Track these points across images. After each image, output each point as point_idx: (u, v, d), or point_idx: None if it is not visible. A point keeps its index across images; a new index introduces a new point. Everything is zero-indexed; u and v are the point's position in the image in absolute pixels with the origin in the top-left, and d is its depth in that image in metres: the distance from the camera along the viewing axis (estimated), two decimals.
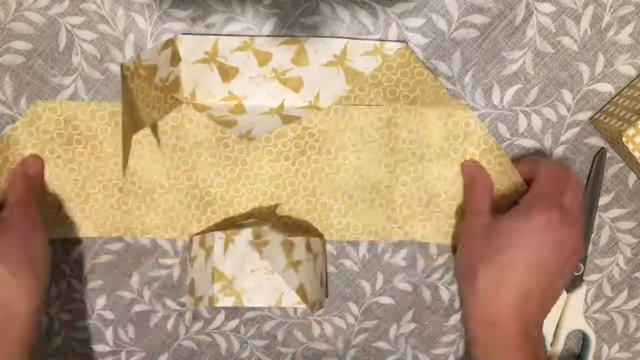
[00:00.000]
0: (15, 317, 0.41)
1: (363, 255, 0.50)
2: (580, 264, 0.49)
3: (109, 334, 0.51)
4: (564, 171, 0.43)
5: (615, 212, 0.49)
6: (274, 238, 0.45)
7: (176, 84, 0.45)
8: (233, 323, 0.51)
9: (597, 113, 0.47)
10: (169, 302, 0.51)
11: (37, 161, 0.47)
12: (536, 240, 0.40)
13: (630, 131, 0.42)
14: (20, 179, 0.46)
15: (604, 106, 0.47)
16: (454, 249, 0.48)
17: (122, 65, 0.43)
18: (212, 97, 0.46)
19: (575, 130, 0.48)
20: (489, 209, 0.44)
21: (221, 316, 0.51)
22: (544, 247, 0.40)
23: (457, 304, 0.51)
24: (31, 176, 0.46)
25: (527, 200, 0.42)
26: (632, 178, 0.49)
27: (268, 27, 0.46)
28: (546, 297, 0.42)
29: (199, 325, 0.51)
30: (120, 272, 0.50)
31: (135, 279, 0.50)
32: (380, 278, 0.50)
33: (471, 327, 0.42)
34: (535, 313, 0.41)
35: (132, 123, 0.42)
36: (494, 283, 0.40)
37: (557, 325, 0.50)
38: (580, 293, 0.50)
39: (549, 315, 0.50)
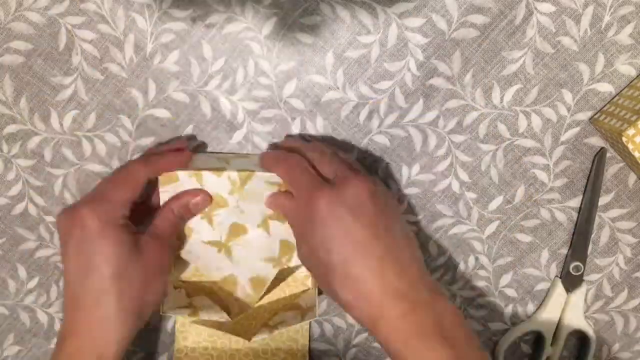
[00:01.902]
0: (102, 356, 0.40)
1: None
2: (580, 264, 0.49)
3: None
4: (282, 157, 0.43)
5: (615, 212, 0.49)
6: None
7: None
8: None
9: (597, 113, 0.47)
10: None
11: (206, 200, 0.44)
12: (335, 222, 0.39)
13: (630, 131, 0.42)
14: (182, 211, 0.44)
15: (604, 106, 0.47)
16: None
17: None
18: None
19: (575, 130, 0.48)
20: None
21: None
22: (343, 220, 0.38)
23: (457, 304, 0.51)
24: (188, 215, 0.45)
25: (297, 198, 0.42)
26: (632, 178, 0.49)
27: (268, 27, 0.46)
28: (391, 255, 0.39)
29: None
30: None
31: None
32: None
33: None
34: (396, 276, 0.38)
35: None
36: (343, 284, 0.39)
37: (557, 325, 0.51)
38: (580, 293, 0.50)
39: (549, 315, 0.50)
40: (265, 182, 0.44)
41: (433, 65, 0.47)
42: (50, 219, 0.49)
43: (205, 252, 0.46)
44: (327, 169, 0.42)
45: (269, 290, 0.47)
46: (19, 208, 0.49)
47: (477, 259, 0.50)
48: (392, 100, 0.47)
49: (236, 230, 0.45)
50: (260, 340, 0.49)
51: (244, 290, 0.47)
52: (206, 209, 0.45)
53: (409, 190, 0.49)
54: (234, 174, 0.43)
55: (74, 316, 0.40)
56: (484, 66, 0.47)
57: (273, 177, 0.43)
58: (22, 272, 0.50)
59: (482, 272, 0.51)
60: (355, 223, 0.38)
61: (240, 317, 0.47)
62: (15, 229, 0.50)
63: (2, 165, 0.48)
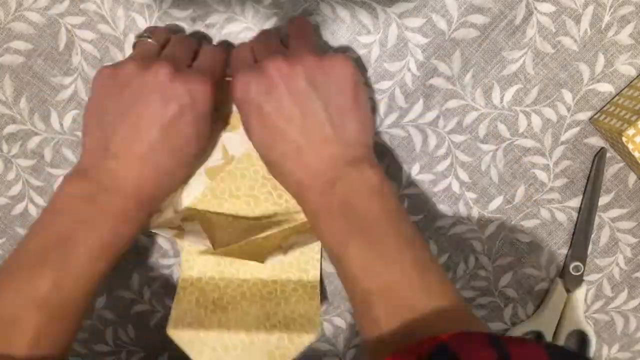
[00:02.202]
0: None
1: None
2: (580, 264, 0.49)
3: (109, 334, 0.51)
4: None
5: (615, 212, 0.49)
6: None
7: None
8: None
9: (597, 113, 0.47)
10: (169, 302, 0.51)
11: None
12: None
13: (630, 131, 0.42)
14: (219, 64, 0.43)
15: (604, 106, 0.47)
16: None
17: None
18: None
19: (575, 130, 0.48)
20: None
21: None
22: (255, 106, 0.39)
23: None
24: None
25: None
26: (632, 178, 0.49)
27: (268, 27, 0.46)
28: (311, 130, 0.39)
29: None
30: (120, 272, 0.50)
31: (135, 279, 0.50)
32: None
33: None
34: (316, 153, 0.39)
35: None
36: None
37: (557, 325, 0.51)
38: (580, 293, 0.50)
39: (549, 315, 0.50)
40: None
41: (433, 65, 0.47)
42: None
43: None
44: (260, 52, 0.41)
45: (278, 224, 0.47)
46: (19, 208, 0.49)
47: (477, 259, 0.50)
48: (392, 100, 0.47)
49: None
50: (273, 264, 0.48)
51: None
52: None
53: (409, 190, 0.49)
54: None
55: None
56: (484, 66, 0.47)
57: None
58: None
59: (482, 272, 0.51)
60: (267, 105, 0.39)
61: (250, 240, 0.47)
62: (15, 229, 0.50)
63: (2, 165, 0.48)
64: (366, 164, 0.39)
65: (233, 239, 0.46)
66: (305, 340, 0.45)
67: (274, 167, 0.41)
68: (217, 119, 0.46)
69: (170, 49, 0.42)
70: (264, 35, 0.44)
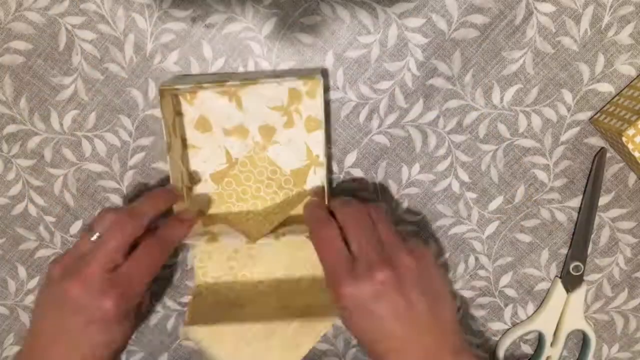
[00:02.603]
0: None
1: None
2: (580, 264, 0.49)
3: None
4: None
5: (615, 212, 0.49)
6: None
7: None
8: None
9: (597, 113, 0.47)
10: (169, 302, 0.51)
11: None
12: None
13: (630, 131, 0.42)
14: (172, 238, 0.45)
15: (604, 106, 0.47)
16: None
17: None
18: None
19: (575, 130, 0.48)
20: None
21: None
22: (365, 309, 0.40)
23: (457, 304, 0.51)
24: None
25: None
26: (632, 178, 0.49)
27: (268, 27, 0.46)
28: (411, 333, 0.40)
29: None
30: None
31: None
32: None
33: None
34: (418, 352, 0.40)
35: None
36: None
37: (557, 325, 0.51)
38: (580, 293, 0.50)
39: (549, 315, 0.50)
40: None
41: (433, 65, 0.47)
42: (50, 219, 0.49)
43: (216, 102, 0.46)
44: (357, 245, 0.42)
45: (283, 211, 0.48)
46: (19, 208, 0.49)
47: (477, 259, 0.50)
48: (392, 100, 0.47)
49: (246, 81, 0.45)
50: (286, 265, 0.49)
51: (253, 139, 0.47)
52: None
53: (409, 190, 0.49)
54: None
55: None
56: (484, 66, 0.47)
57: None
58: (22, 272, 0.50)
59: (482, 272, 0.51)
60: (378, 307, 0.40)
61: (253, 217, 0.47)
62: (15, 229, 0.50)
63: (2, 165, 0.48)
64: (467, 354, 0.40)
65: (262, 229, 0.47)
66: (321, 328, 0.45)
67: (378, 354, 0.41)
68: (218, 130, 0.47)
69: (104, 247, 0.41)
70: (359, 219, 0.43)
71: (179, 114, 0.47)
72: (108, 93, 0.47)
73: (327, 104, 0.47)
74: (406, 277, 0.40)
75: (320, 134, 0.45)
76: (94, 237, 0.41)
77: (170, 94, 0.45)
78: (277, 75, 0.46)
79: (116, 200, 0.49)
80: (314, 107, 0.46)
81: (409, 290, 0.40)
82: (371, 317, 0.40)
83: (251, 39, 0.46)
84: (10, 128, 0.48)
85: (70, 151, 0.48)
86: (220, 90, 0.46)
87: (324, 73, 0.47)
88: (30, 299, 0.51)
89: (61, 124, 0.48)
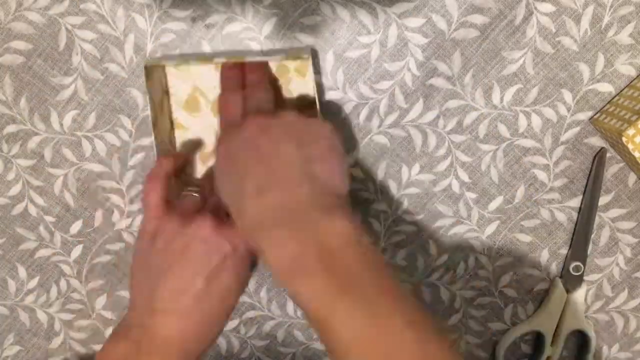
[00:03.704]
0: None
1: None
2: (580, 264, 0.49)
3: (109, 333, 0.51)
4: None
5: (615, 212, 0.49)
6: None
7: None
8: (233, 323, 0.51)
9: (597, 113, 0.47)
10: None
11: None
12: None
13: (630, 131, 0.42)
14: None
15: (604, 106, 0.47)
16: None
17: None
18: None
19: (575, 130, 0.48)
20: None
21: None
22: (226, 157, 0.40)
23: (457, 304, 0.51)
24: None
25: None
26: (632, 178, 0.49)
27: (268, 27, 0.46)
28: (267, 181, 0.38)
29: None
30: (120, 272, 0.50)
31: None
32: None
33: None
34: (274, 202, 0.37)
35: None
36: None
37: (557, 325, 0.51)
38: (580, 293, 0.50)
39: (549, 315, 0.50)
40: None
41: (433, 65, 0.47)
42: (50, 219, 0.49)
43: (206, 76, 0.47)
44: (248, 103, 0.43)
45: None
46: (19, 208, 0.49)
47: (477, 259, 0.50)
48: (392, 100, 0.47)
49: (233, 57, 0.45)
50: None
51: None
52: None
53: (409, 190, 0.49)
54: (222, 61, 0.44)
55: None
56: (484, 66, 0.47)
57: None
58: (22, 272, 0.50)
59: (482, 272, 0.51)
60: (242, 153, 0.39)
61: None
62: (15, 229, 0.50)
63: (2, 165, 0.48)
64: (339, 212, 0.36)
65: None
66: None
67: (239, 214, 0.38)
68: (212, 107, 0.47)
69: (213, 199, 0.42)
70: (255, 78, 0.45)
71: (166, 93, 0.47)
72: (108, 93, 0.47)
73: (318, 85, 0.47)
74: (280, 126, 0.39)
75: (312, 113, 0.45)
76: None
77: (158, 71, 0.45)
78: (265, 54, 0.46)
79: (116, 200, 0.49)
80: (304, 86, 0.46)
81: (278, 138, 0.38)
82: (230, 159, 0.39)
83: (251, 39, 0.46)
84: (11, 128, 0.48)
85: (71, 151, 0.48)
86: (210, 65, 0.46)
87: (314, 53, 0.46)
88: (30, 299, 0.51)
89: (61, 124, 0.48)
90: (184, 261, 0.39)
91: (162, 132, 0.46)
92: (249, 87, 0.45)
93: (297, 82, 0.46)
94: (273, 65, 0.46)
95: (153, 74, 0.44)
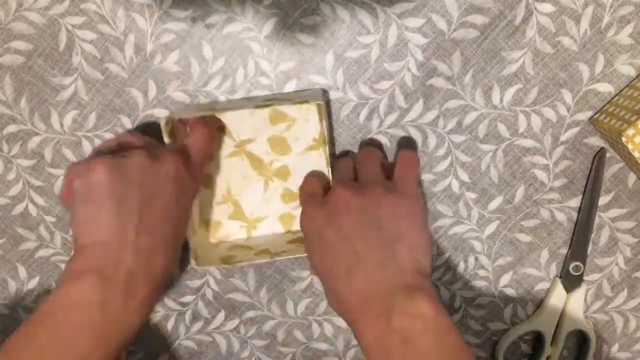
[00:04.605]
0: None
1: None
2: (580, 264, 0.49)
3: None
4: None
5: (615, 212, 0.49)
6: None
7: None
8: (233, 323, 0.51)
9: (597, 113, 0.47)
10: (169, 302, 0.51)
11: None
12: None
13: (630, 131, 0.42)
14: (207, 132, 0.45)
15: (604, 106, 0.47)
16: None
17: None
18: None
19: (575, 130, 0.48)
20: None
21: (221, 316, 0.51)
22: (318, 231, 0.41)
23: (457, 304, 0.51)
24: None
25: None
26: (632, 178, 0.49)
27: (268, 27, 0.46)
28: (359, 260, 0.40)
29: (199, 325, 0.51)
30: None
31: None
32: None
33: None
34: (362, 281, 0.39)
35: None
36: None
37: (557, 325, 0.51)
38: (580, 293, 0.50)
39: (549, 315, 0.50)
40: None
41: (433, 65, 0.47)
42: (50, 219, 0.49)
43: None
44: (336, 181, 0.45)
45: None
46: (19, 208, 0.49)
47: (477, 259, 0.50)
48: (392, 100, 0.47)
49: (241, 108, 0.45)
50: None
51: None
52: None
53: None
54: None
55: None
56: (484, 66, 0.47)
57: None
58: (22, 272, 0.50)
59: (482, 272, 0.51)
60: (327, 231, 0.40)
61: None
62: (15, 229, 0.50)
63: (2, 165, 0.48)
64: (422, 293, 0.38)
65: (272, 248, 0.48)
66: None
67: (331, 293, 0.41)
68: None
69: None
70: (367, 156, 0.45)
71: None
72: (108, 93, 0.47)
73: (330, 128, 0.48)
74: (363, 206, 0.40)
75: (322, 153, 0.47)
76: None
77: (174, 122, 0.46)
78: (275, 98, 0.46)
79: None
80: (309, 129, 0.47)
81: (361, 220, 0.39)
82: (322, 241, 0.40)
83: (251, 39, 0.46)
84: (11, 128, 0.48)
85: (71, 151, 0.48)
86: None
87: (326, 97, 0.47)
88: (30, 299, 0.51)
89: (61, 124, 0.48)
90: (159, 197, 0.40)
91: None
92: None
93: (300, 126, 0.47)
94: (283, 109, 0.47)
95: (172, 126, 0.45)
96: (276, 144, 0.48)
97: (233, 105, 0.46)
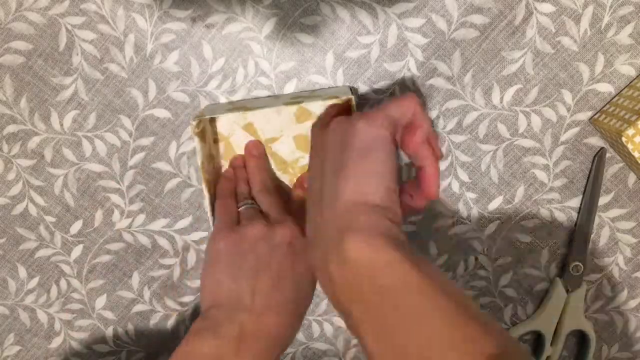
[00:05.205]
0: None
1: None
2: (580, 264, 0.49)
3: (109, 334, 0.51)
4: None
5: (615, 212, 0.49)
6: None
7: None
8: None
9: (597, 113, 0.47)
10: (169, 302, 0.51)
11: (257, 142, 0.48)
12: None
13: (630, 131, 0.42)
14: (255, 163, 0.47)
15: (604, 106, 0.47)
16: None
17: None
18: None
19: (575, 130, 0.48)
20: None
21: None
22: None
23: None
24: (257, 156, 0.48)
25: None
26: (631, 178, 0.49)
27: (268, 27, 0.46)
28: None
29: None
30: (120, 272, 0.50)
31: (135, 279, 0.50)
32: None
33: None
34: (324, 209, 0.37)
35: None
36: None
37: (557, 325, 0.51)
38: (580, 293, 0.50)
39: (549, 315, 0.50)
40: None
41: (433, 65, 0.47)
42: (50, 219, 0.49)
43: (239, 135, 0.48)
44: None
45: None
46: (19, 208, 0.49)
47: (477, 259, 0.50)
48: None
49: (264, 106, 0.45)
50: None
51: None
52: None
53: None
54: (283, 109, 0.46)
55: None
56: (484, 66, 0.47)
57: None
58: (22, 272, 0.50)
59: (482, 272, 0.51)
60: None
61: None
62: (15, 229, 0.50)
63: (2, 165, 0.48)
64: (352, 233, 0.33)
65: None
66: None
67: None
68: None
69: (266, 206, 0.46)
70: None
71: (215, 141, 0.48)
72: (108, 93, 0.47)
73: None
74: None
75: None
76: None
77: (206, 122, 0.46)
78: (302, 96, 0.46)
79: (116, 200, 0.49)
80: None
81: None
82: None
83: (251, 39, 0.46)
84: (11, 128, 0.48)
85: (71, 151, 0.48)
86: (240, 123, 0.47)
87: (354, 91, 0.47)
88: (30, 299, 0.51)
89: (61, 124, 0.48)
90: (274, 263, 0.42)
91: (208, 173, 0.46)
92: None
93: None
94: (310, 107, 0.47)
95: (203, 127, 0.45)
96: (302, 142, 0.48)
97: (261, 103, 0.45)
